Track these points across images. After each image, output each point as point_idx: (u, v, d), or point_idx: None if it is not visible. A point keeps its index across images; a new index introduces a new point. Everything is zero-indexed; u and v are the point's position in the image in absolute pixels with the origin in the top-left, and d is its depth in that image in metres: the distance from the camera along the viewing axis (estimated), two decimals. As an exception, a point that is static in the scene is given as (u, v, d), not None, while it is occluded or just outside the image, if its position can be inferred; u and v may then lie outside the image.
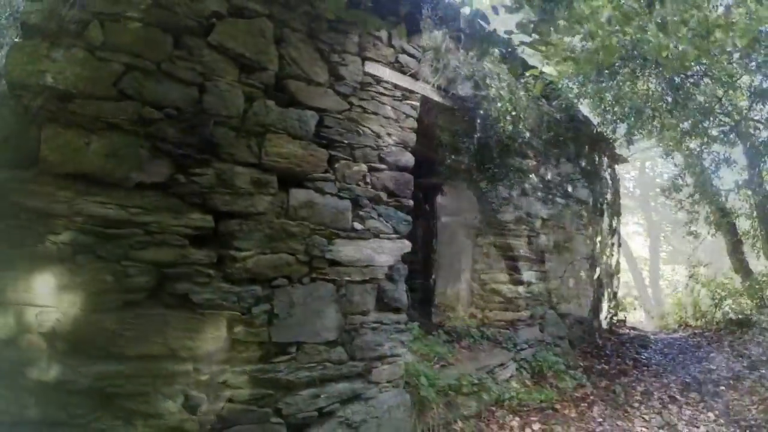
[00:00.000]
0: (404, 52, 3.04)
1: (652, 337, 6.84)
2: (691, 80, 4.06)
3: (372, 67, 2.81)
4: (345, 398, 2.52)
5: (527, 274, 4.39)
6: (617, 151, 6.73)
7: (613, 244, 7.36)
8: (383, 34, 2.92)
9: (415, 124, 3.07)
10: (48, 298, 1.73)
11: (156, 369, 1.91)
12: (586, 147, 4.70)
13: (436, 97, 3.30)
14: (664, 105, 4.05)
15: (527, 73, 3.08)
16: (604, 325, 6.74)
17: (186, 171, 2.06)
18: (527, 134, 3.78)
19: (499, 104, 3.37)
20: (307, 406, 2.35)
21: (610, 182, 7.12)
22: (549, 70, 3.86)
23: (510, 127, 3.51)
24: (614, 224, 7.39)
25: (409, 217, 2.99)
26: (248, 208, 2.21)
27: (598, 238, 6.39)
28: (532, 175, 4.32)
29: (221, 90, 2.14)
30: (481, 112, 3.38)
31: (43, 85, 1.73)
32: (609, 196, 6.95)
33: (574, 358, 4.82)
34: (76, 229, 1.80)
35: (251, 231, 2.21)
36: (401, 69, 2.99)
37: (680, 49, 2.41)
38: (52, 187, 1.76)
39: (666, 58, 2.47)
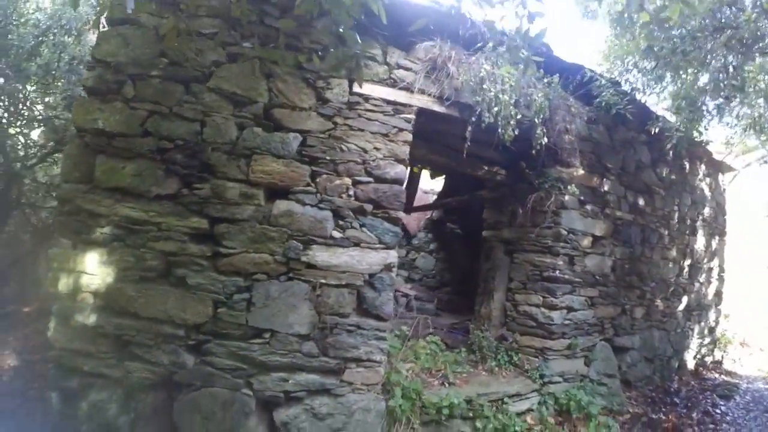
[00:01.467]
0: (400, 67, 3.92)
1: (744, 385, 6.23)
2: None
3: (361, 87, 3.75)
4: (313, 389, 3.53)
5: (568, 298, 4.69)
6: (718, 157, 6.22)
7: (711, 269, 6.71)
8: (377, 52, 3.86)
9: (409, 137, 3.90)
10: (94, 269, 3.21)
11: (158, 329, 3.28)
12: (670, 153, 4.67)
13: (437, 108, 4.02)
14: (722, 90, 3.84)
15: (508, 70, 3.49)
16: (691, 365, 6.31)
17: (189, 186, 3.39)
18: (544, 140, 4.16)
19: (495, 109, 3.88)
20: (275, 387, 3.45)
21: (708, 195, 6.54)
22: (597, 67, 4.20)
23: (513, 133, 3.99)
24: (714, 245, 6.73)
25: (397, 229, 3.84)
26: (235, 215, 3.43)
27: (687, 262, 6.03)
28: (571, 186, 4.60)
29: (218, 123, 3.41)
30: (474, 119, 3.93)
31: (96, 129, 3.23)
32: (706, 211, 6.40)
33: (624, 401, 4.88)
34: (113, 225, 3.26)
35: (237, 233, 3.42)
36: (394, 84, 3.86)
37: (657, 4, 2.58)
38: (100, 196, 3.26)
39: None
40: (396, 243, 3.84)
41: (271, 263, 3.48)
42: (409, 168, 4.02)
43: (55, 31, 4.70)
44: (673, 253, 6.03)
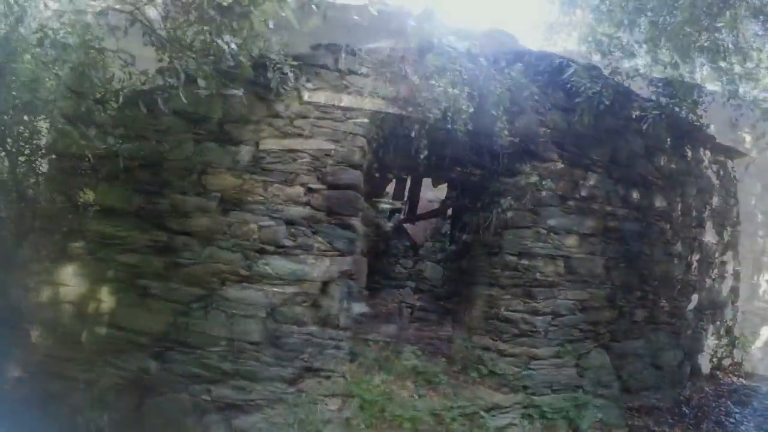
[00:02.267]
0: (351, 72, 4.35)
1: (765, 389, 6.01)
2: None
3: (312, 95, 4.26)
4: (270, 398, 3.95)
5: (552, 303, 4.83)
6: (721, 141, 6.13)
7: (725, 264, 6.52)
8: (329, 60, 4.35)
9: (362, 142, 4.32)
10: (72, 281, 3.94)
11: (126, 337, 3.93)
12: (668, 140, 4.75)
13: (391, 110, 4.39)
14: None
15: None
16: (706, 369, 6.21)
17: (151, 201, 4.04)
18: (506, 133, 4.39)
19: (444, 104, 4.16)
20: (234, 395, 3.92)
21: (716, 183, 6.43)
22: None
23: (465, 128, 4.23)
24: (726, 237, 6.54)
25: (352, 234, 4.26)
26: (192, 227, 4.03)
27: (696, 257, 5.94)
28: (548, 182, 4.76)
29: (175, 141, 4.05)
30: (420, 117, 4.27)
31: (73, 153, 3.97)
32: (715, 201, 6.27)
33: (622, 413, 4.92)
34: (87, 240, 3.98)
35: (194, 245, 4.02)
36: (346, 90, 4.31)
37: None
38: (77, 214, 3.98)
39: None
40: (352, 249, 4.25)
41: (226, 273, 4.02)
42: (370, 174, 4.44)
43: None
44: (678, 248, 5.97)
